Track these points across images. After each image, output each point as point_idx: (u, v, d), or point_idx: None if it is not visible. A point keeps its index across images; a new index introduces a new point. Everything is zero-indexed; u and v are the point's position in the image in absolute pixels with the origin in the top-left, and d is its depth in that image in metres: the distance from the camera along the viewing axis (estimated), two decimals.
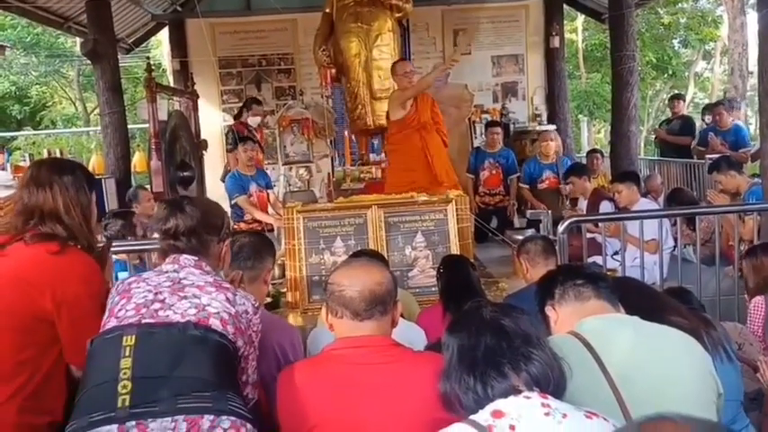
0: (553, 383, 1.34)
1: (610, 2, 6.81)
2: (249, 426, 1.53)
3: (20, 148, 14.38)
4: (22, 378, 1.73)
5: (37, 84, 18.13)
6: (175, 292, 1.66)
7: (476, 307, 1.44)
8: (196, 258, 1.79)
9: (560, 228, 3.42)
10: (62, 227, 1.88)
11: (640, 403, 1.51)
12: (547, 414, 1.25)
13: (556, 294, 1.81)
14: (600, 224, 4.36)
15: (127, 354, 1.53)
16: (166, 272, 1.75)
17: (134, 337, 1.56)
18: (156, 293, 1.65)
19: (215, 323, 1.62)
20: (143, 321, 1.60)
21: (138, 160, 9.79)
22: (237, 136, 6.18)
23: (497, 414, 1.26)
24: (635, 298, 1.96)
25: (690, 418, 0.85)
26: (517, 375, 1.31)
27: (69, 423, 1.51)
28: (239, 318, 1.68)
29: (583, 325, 1.69)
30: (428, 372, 1.58)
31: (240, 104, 8.87)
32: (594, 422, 1.27)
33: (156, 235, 1.94)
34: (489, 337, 1.35)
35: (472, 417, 1.29)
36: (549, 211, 4.18)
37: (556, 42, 8.90)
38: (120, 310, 1.64)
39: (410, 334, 2.41)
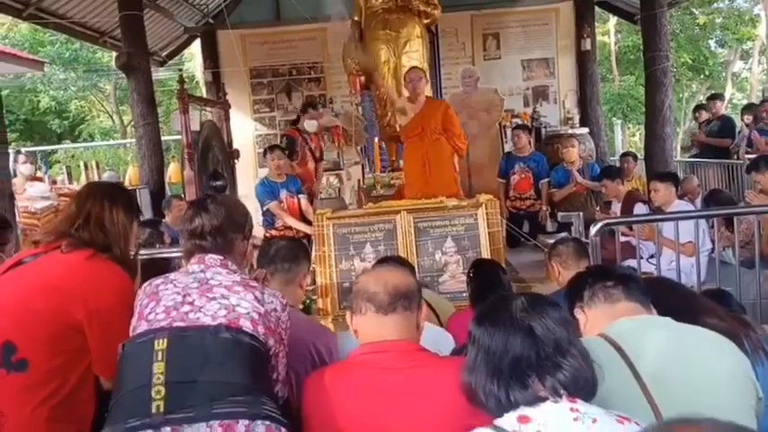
0: (584, 389, 1.29)
1: (642, 2, 6.70)
2: (284, 430, 1.53)
3: (59, 161, 14.76)
4: (53, 386, 1.75)
5: (75, 98, 18.62)
6: (204, 293, 1.66)
7: (506, 299, 1.39)
8: (222, 258, 1.79)
9: (592, 230, 3.35)
10: (103, 234, 1.91)
11: (673, 407, 1.45)
12: (576, 419, 1.21)
13: (585, 296, 1.76)
14: (634, 227, 4.27)
15: (159, 358, 1.53)
16: (193, 272, 1.75)
17: (166, 340, 1.56)
18: (184, 295, 1.66)
19: (246, 324, 1.62)
20: (174, 325, 1.60)
21: (172, 171, 9.94)
22: (287, 143, 6.22)
23: (524, 419, 1.23)
24: (669, 298, 1.90)
25: (715, 420, 0.81)
26: (543, 385, 1.27)
27: (104, 429, 1.52)
28: (269, 316, 1.68)
29: (613, 327, 1.64)
30: (455, 377, 1.56)
31: (270, 113, 9.00)
32: (626, 427, 1.22)
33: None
34: (518, 344, 1.30)
35: (497, 422, 1.25)
36: (581, 214, 4.10)
37: (587, 45, 8.79)
38: (149, 313, 1.64)
39: (438, 339, 2.38)
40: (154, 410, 1.46)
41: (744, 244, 4.56)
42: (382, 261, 3.02)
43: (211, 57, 9.13)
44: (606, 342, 1.58)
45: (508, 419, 1.24)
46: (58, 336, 1.78)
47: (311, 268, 4.59)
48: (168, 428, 1.44)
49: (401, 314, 1.69)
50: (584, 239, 3.58)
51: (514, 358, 1.29)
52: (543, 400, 1.25)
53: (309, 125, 6.81)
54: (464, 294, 4.29)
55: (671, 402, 1.47)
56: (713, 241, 4.37)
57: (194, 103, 6.65)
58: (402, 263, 2.93)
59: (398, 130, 5.92)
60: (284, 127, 7.60)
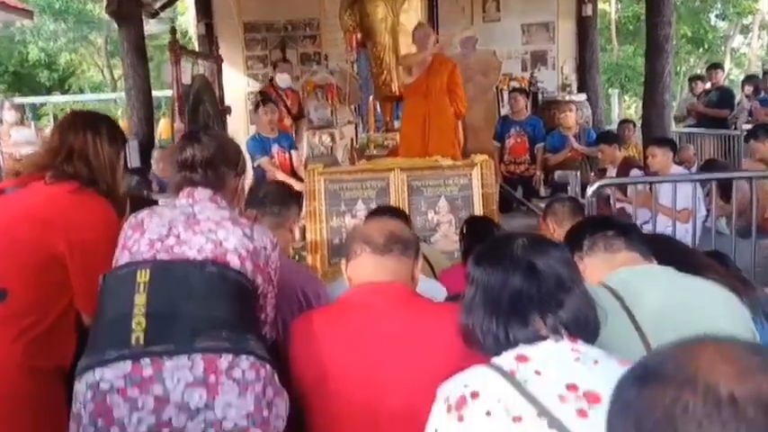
0: (585, 329, 1.23)
1: None
2: (269, 367, 1.47)
3: (47, 114, 14.51)
4: (31, 318, 1.69)
5: (65, 51, 18.22)
6: (190, 226, 1.59)
7: (506, 239, 1.33)
8: (211, 192, 1.71)
9: (589, 191, 3.30)
10: (88, 168, 1.84)
11: None
12: (577, 360, 1.16)
13: (584, 245, 1.71)
14: (629, 192, 4.22)
15: (141, 290, 1.46)
16: (180, 206, 1.67)
17: (148, 272, 1.49)
18: (170, 228, 1.58)
19: (233, 260, 1.55)
20: (158, 257, 1.53)
21: (163, 127, 9.79)
22: (262, 98, 6.10)
23: (522, 359, 1.17)
24: (668, 254, 1.85)
25: (734, 338, 0.76)
26: (544, 323, 1.21)
27: (82, 359, 1.46)
28: (257, 254, 1.61)
29: (613, 276, 1.59)
30: (450, 322, 1.51)
31: (264, 69, 8.83)
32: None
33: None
34: (518, 280, 1.23)
35: (494, 360, 1.20)
36: (578, 173, 4.04)
37: (588, 10, 8.63)
38: (133, 244, 1.57)
39: (431, 290, 2.33)
40: (133, 342, 1.40)
41: (739, 214, 4.53)
42: (376, 211, 2.95)
43: (204, 10, 8.91)
44: (605, 290, 1.53)
45: (506, 358, 1.19)
46: (40, 266, 1.72)
47: (301, 225, 4.55)
48: (148, 360, 1.38)
49: (397, 258, 1.64)
50: (580, 200, 3.52)
51: (514, 293, 1.23)
52: (543, 338, 1.19)
53: (281, 79, 6.70)
54: (455, 255, 4.25)
55: None
56: (708, 210, 4.35)
57: (186, 56, 6.50)
58: (396, 212, 2.87)
59: (402, 86, 5.78)
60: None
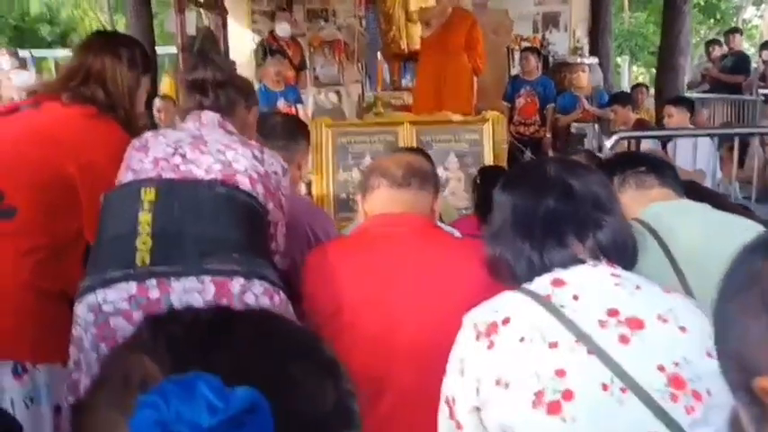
0: (624, 255, 1.14)
1: None
2: (282, 294, 1.39)
3: (49, 69, 14.30)
4: (41, 240, 1.62)
5: (67, 5, 17.90)
6: (197, 146, 1.50)
7: (537, 162, 1.24)
8: (220, 117, 1.62)
9: (608, 143, 3.19)
10: (104, 92, 1.76)
11: (708, 291, 1.33)
12: (617, 285, 1.07)
13: (615, 182, 1.61)
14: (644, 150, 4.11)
15: (146, 208, 1.37)
16: (187, 129, 1.58)
17: (154, 190, 1.40)
18: (176, 148, 1.49)
19: (243, 181, 1.46)
20: (163, 175, 1.44)
21: (166, 84, 9.60)
22: (268, 49, 5.94)
23: (558, 283, 1.09)
24: (697, 195, 1.76)
25: None
26: (582, 244, 1.11)
27: (83, 279, 1.37)
28: (268, 178, 1.52)
29: (647, 211, 1.51)
30: (470, 254, 1.43)
31: (271, 25, 8.62)
32: (673, 296, 1.09)
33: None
34: (552, 199, 1.13)
35: (527, 285, 1.12)
36: (595, 125, 3.92)
37: None
38: (136, 163, 1.48)
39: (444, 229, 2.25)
40: (138, 262, 1.32)
41: (749, 179, 4.44)
42: (396, 151, 2.85)
43: None
44: (639, 225, 1.44)
45: (539, 283, 1.10)
46: (49, 186, 1.65)
47: (307, 180, 4.46)
48: (154, 281, 1.30)
49: (416, 190, 1.56)
50: (597, 153, 3.42)
51: (549, 212, 1.12)
52: (580, 262, 1.11)
53: (281, 29, 6.53)
54: (464, 212, 4.17)
55: (706, 289, 1.34)
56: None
57: (191, 5, 6.33)
58: (415, 151, 2.76)
59: (418, 41, 5.62)
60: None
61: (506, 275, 1.19)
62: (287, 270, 1.73)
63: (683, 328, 1.03)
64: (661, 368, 0.98)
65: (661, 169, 1.62)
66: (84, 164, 1.66)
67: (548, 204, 1.13)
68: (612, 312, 1.03)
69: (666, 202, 1.54)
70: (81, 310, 1.33)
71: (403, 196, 1.54)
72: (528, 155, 6.12)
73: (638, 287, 1.07)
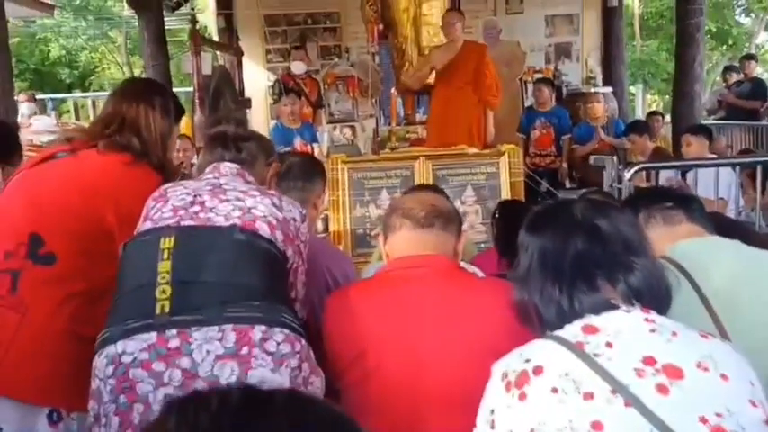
0: (657, 298, 1.10)
1: None
2: (304, 341, 1.35)
3: (68, 112, 14.56)
4: (81, 286, 1.62)
5: (86, 48, 18.33)
6: (216, 195, 1.49)
7: (563, 203, 1.20)
8: (238, 167, 1.62)
9: (627, 174, 3.15)
10: (139, 140, 1.79)
11: (744, 335, 1.29)
12: (653, 331, 1.03)
13: (641, 218, 1.58)
14: (663, 182, 4.06)
15: (165, 257, 1.36)
16: (206, 179, 1.58)
17: (173, 238, 1.39)
18: (194, 196, 1.48)
19: (263, 227, 1.44)
20: (182, 223, 1.43)
21: (182, 123, 9.74)
22: (283, 88, 6.00)
23: (590, 329, 1.05)
24: (727, 231, 1.72)
25: None
26: (613, 288, 1.08)
27: (102, 330, 1.35)
28: (287, 224, 1.50)
29: (676, 249, 1.46)
30: (495, 296, 1.40)
31: (284, 62, 8.74)
32: (712, 342, 1.04)
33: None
34: (581, 241, 1.09)
35: (557, 332, 1.08)
36: (614, 157, 3.89)
37: (614, 1, 8.43)
38: (155, 213, 1.47)
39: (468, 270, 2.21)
40: (158, 311, 1.29)
41: None
42: (412, 189, 2.82)
43: (225, 3, 8.85)
44: (669, 264, 1.40)
45: (570, 330, 1.06)
46: (88, 234, 1.66)
47: (323, 216, 4.45)
48: (174, 331, 1.27)
49: (438, 232, 1.53)
50: (615, 185, 3.38)
51: (578, 255, 1.09)
52: (612, 308, 1.07)
53: (296, 66, 6.61)
54: (482, 245, 4.13)
55: (741, 330, 1.31)
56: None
57: (207, 47, 6.42)
58: (435, 190, 2.74)
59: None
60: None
61: (535, 320, 1.15)
62: (306, 317, 1.70)
63: (724, 376, 0.98)
64: (703, 420, 0.94)
65: (688, 204, 1.58)
66: (123, 213, 1.67)
67: (576, 247, 1.10)
68: (649, 360, 0.99)
69: (696, 239, 1.50)
70: (100, 362, 1.30)
71: (426, 237, 1.52)
72: (545, 186, 6.08)
73: (674, 333, 1.03)
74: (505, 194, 4.36)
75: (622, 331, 1.03)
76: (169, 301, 1.30)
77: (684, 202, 1.58)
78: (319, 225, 4.60)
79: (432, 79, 5.81)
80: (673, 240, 1.51)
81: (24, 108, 6.66)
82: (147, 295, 1.32)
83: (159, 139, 1.84)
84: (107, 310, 1.63)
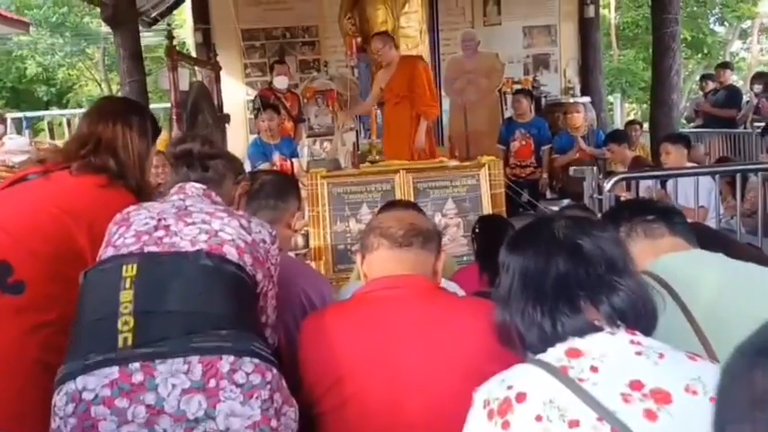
0: (642, 319, 1.06)
1: None
2: (275, 370, 1.29)
3: (43, 130, 14.37)
4: (52, 314, 1.55)
5: (63, 65, 18.15)
6: (181, 218, 1.42)
7: (544, 221, 1.16)
8: (204, 187, 1.56)
9: (607, 185, 3.13)
10: (115, 161, 1.73)
11: (729, 347, 1.25)
12: (639, 354, 0.99)
13: (622, 232, 1.54)
14: (643, 191, 4.05)
15: (127, 286, 1.29)
16: (171, 200, 1.52)
17: (135, 266, 1.32)
18: (158, 220, 1.41)
19: (230, 251, 1.38)
20: (146, 249, 1.36)
21: (160, 139, 9.62)
22: (261, 103, 5.95)
23: (573, 353, 1.00)
24: (706, 240, 1.69)
25: None
26: (596, 309, 1.03)
27: (61, 366, 1.28)
28: (257, 246, 1.44)
29: (658, 263, 1.43)
30: (476, 317, 1.35)
31: (262, 77, 8.71)
32: (700, 364, 1.00)
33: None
34: (562, 261, 1.06)
35: (540, 356, 1.03)
36: (594, 168, 3.89)
37: (591, 12, 8.52)
38: (118, 238, 1.40)
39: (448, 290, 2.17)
40: (120, 344, 1.22)
41: (750, 213, 4.38)
42: (389, 205, 2.77)
43: (202, 17, 8.79)
44: (652, 279, 1.36)
45: (554, 354, 1.02)
46: (59, 257, 1.58)
47: (304, 231, 4.39)
48: (137, 365, 1.20)
49: (417, 251, 1.48)
50: (596, 195, 3.36)
51: (560, 276, 1.05)
52: (596, 330, 1.02)
53: (278, 81, 6.58)
54: (464, 258, 4.10)
55: (727, 342, 1.26)
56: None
57: (184, 62, 6.36)
58: (412, 206, 2.69)
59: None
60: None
61: (517, 343, 1.11)
62: (278, 342, 1.64)
63: (713, 400, 0.94)
64: None
65: (670, 217, 1.55)
66: (97, 236, 1.59)
67: (557, 267, 1.06)
68: (636, 385, 0.95)
69: (678, 252, 1.46)
70: (59, 399, 1.22)
71: (404, 257, 1.47)
72: (525, 197, 6.08)
73: (661, 355, 0.99)
74: (486, 206, 4.34)
75: (607, 354, 0.99)
76: (132, 333, 1.23)
77: (666, 215, 1.55)
78: (300, 241, 4.55)
79: None
80: (655, 254, 1.47)
81: None
82: (109, 327, 1.25)
83: (137, 160, 1.78)
84: None
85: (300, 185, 5.25)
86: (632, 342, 1.01)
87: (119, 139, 1.75)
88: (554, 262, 1.06)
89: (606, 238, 1.10)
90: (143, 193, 1.75)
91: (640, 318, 1.05)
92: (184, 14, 12.98)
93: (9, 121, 6.95)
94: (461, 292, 2.26)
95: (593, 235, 1.09)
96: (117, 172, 1.72)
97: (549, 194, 6.46)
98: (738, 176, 3.32)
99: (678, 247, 1.49)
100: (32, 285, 1.55)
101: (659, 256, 1.47)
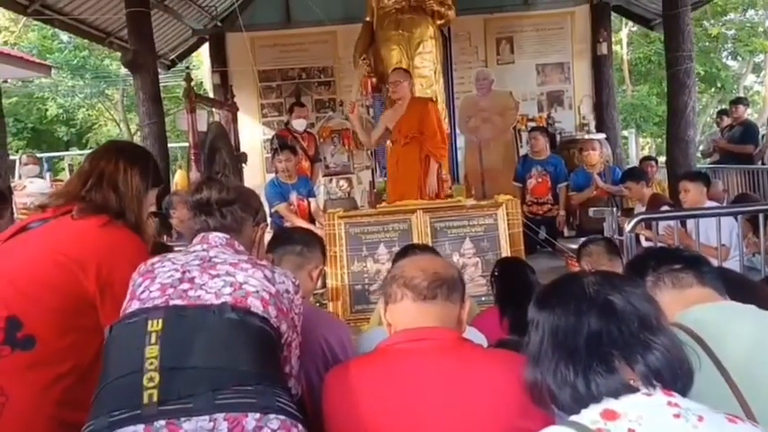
0: (678, 379, 1.04)
1: (664, 2, 6.48)
2: (301, 427, 1.28)
3: (63, 170, 14.61)
4: (65, 367, 1.54)
5: (83, 106, 18.52)
6: (206, 270, 1.43)
7: (572, 276, 1.15)
8: (227, 236, 1.57)
9: (628, 226, 3.10)
10: (116, 196, 1.74)
11: (765, 403, 1.22)
12: (677, 416, 0.96)
13: (648, 282, 1.52)
14: (662, 230, 4.02)
15: (153, 341, 1.29)
16: (194, 251, 1.53)
17: (161, 321, 1.32)
18: (183, 272, 1.42)
19: (255, 304, 1.38)
20: (171, 303, 1.36)
21: (178, 178, 9.72)
22: (279, 143, 6.01)
23: (609, 415, 0.98)
24: (734, 290, 1.66)
25: None
26: (631, 368, 1.01)
27: (86, 423, 1.27)
28: (280, 298, 1.44)
29: (688, 315, 1.40)
30: (505, 371, 1.33)
31: (279, 117, 8.83)
32: (740, 427, 0.98)
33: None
34: (594, 319, 1.04)
35: (574, 418, 1.01)
36: (614, 209, 3.85)
37: (604, 49, 8.59)
38: (143, 291, 1.41)
39: (470, 338, 2.14)
40: (145, 400, 1.21)
41: None
42: (407, 249, 2.76)
43: (219, 60, 8.97)
44: (683, 332, 1.34)
45: (588, 415, 0.99)
46: (69, 310, 1.58)
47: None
48: (163, 422, 1.19)
49: (442, 303, 1.47)
50: (616, 236, 3.33)
51: (592, 334, 1.03)
52: (633, 390, 1.00)
53: (297, 124, 6.66)
54: (483, 299, 4.06)
55: (762, 398, 1.23)
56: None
57: (202, 104, 6.46)
58: (431, 251, 2.68)
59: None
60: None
61: (549, 402, 1.09)
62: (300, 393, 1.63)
63: None
64: None
65: (698, 266, 1.53)
66: (105, 281, 1.60)
67: (589, 325, 1.04)
68: None
69: (709, 304, 1.44)
70: None
71: (428, 309, 1.45)
72: (543, 235, 6.04)
73: (700, 418, 0.96)
74: (504, 246, 4.32)
75: (645, 417, 0.97)
76: (157, 389, 1.23)
77: (694, 264, 1.52)
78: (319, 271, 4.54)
79: None
80: (683, 305, 1.45)
81: (26, 170, 6.65)
82: (134, 383, 1.25)
83: (136, 195, 1.79)
84: (95, 387, 1.56)
85: (318, 225, 5.31)
86: (670, 404, 0.98)
87: (120, 173, 1.77)
88: (585, 320, 1.05)
89: (637, 294, 1.09)
90: (140, 230, 1.76)
91: (676, 377, 1.03)
92: (201, 56, 13.25)
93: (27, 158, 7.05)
94: (483, 339, 2.24)
95: (624, 291, 1.07)
96: (117, 209, 1.73)
97: (566, 232, 6.42)
98: (761, 217, 3.28)
99: (708, 297, 1.46)
100: (43, 339, 1.54)
101: (688, 307, 1.44)
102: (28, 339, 1.53)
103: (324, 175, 7.31)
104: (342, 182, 7.25)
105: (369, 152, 7.52)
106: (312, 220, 5.60)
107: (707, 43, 17.30)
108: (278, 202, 5.47)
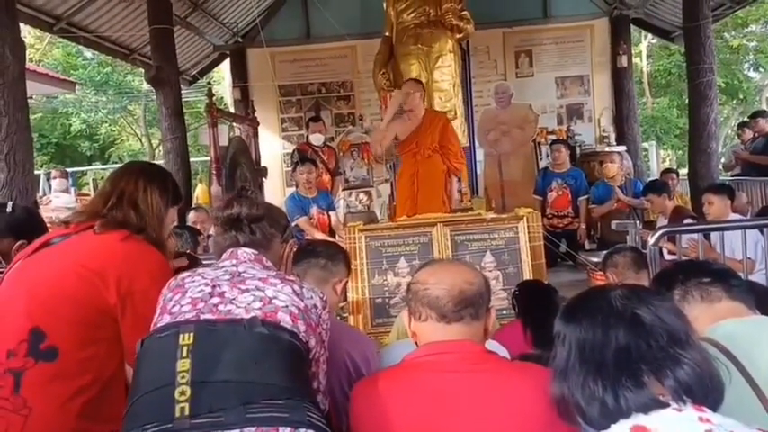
0: (709, 394, 1.03)
1: (684, 14, 6.46)
2: None
3: (87, 184, 14.83)
4: (86, 379, 1.56)
5: (106, 122, 18.82)
6: (236, 285, 1.45)
7: (599, 290, 1.14)
8: (256, 252, 1.59)
9: (651, 239, 3.08)
10: (136, 214, 1.78)
11: None
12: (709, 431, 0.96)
13: (676, 295, 1.51)
14: (685, 243, 3.97)
15: (184, 354, 1.30)
16: (223, 266, 1.55)
17: (192, 335, 1.33)
18: (213, 287, 1.44)
19: (284, 318, 1.39)
20: (201, 317, 1.38)
21: (200, 193, 9.83)
22: (299, 157, 6.06)
23: (640, 430, 0.97)
24: (764, 304, 1.64)
25: None
26: (661, 383, 1.01)
27: None
28: (309, 313, 1.45)
29: (717, 329, 1.39)
30: (533, 385, 1.32)
31: (299, 131, 8.90)
32: None
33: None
34: (622, 333, 1.03)
35: None
36: (637, 222, 3.82)
37: (623, 62, 8.56)
38: (173, 305, 1.43)
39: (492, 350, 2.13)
40: (177, 414, 1.22)
41: None
42: (436, 264, 2.75)
43: (240, 75, 9.08)
44: (712, 347, 1.33)
45: (618, 431, 0.99)
46: (91, 322, 1.60)
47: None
48: None
49: (467, 323, 1.46)
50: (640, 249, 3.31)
51: (620, 349, 1.02)
52: (663, 406, 0.99)
53: (315, 138, 6.71)
54: (504, 312, 4.04)
55: None
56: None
57: (223, 119, 6.54)
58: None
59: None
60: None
61: (576, 416, 1.08)
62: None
63: None
64: None
65: (727, 279, 1.51)
66: (125, 293, 1.62)
67: (617, 339, 1.03)
68: None
69: (738, 318, 1.42)
70: None
71: (453, 329, 1.45)
72: (564, 248, 6.01)
73: None
74: (525, 259, 4.30)
75: None
76: (188, 402, 1.24)
77: (723, 277, 1.51)
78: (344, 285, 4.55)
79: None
80: (713, 319, 1.43)
81: (55, 184, 6.77)
82: (166, 396, 1.26)
83: (156, 214, 1.82)
84: (116, 399, 1.58)
85: (338, 238, 5.32)
86: (701, 419, 0.97)
87: (140, 192, 1.80)
88: (613, 334, 1.04)
89: (666, 308, 1.08)
90: (161, 247, 1.79)
91: (706, 392, 1.02)
92: (222, 71, 13.42)
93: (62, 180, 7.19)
94: (505, 352, 2.23)
95: (651, 305, 1.07)
96: (137, 225, 1.76)
97: (587, 245, 6.37)
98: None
99: (737, 311, 1.45)
100: (65, 351, 1.56)
101: (717, 321, 1.43)
102: (51, 350, 1.56)
103: (343, 189, 7.35)
104: (361, 195, 7.29)
105: (388, 165, 7.55)
106: (332, 234, 5.61)
107: (728, 55, 17.16)
108: (298, 215, 5.50)
